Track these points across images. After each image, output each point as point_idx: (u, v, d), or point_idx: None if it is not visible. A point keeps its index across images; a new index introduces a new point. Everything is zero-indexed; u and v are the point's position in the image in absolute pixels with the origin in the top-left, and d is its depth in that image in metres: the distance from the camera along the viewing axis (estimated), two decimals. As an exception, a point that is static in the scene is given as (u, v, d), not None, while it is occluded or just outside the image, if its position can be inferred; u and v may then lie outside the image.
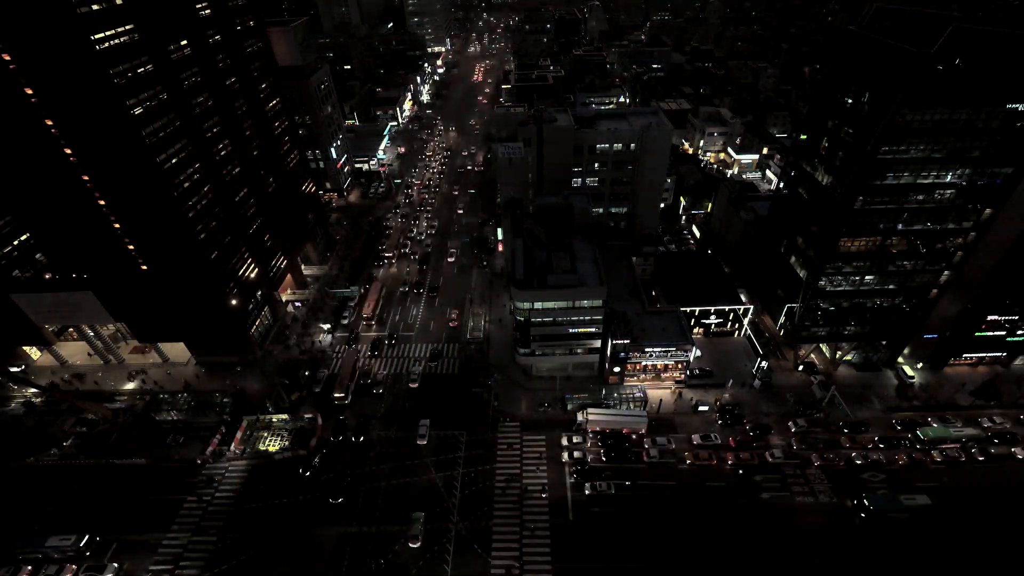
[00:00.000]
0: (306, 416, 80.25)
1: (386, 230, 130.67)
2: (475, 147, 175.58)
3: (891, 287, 79.55)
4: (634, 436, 76.77)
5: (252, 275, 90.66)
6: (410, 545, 63.73)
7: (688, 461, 73.40)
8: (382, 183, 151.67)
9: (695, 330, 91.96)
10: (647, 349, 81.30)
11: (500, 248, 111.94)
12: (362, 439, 77.17)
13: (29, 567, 62.78)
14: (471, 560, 63.02)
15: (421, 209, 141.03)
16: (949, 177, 68.82)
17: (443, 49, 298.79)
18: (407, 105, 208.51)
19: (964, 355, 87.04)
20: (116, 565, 62.97)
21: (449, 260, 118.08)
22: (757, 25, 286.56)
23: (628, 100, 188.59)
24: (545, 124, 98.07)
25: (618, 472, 72.31)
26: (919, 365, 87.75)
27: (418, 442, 76.30)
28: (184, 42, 75.09)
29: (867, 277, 78.45)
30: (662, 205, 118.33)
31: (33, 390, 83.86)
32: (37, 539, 64.12)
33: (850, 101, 71.70)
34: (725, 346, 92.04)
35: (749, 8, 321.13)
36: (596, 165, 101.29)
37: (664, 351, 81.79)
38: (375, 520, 67.02)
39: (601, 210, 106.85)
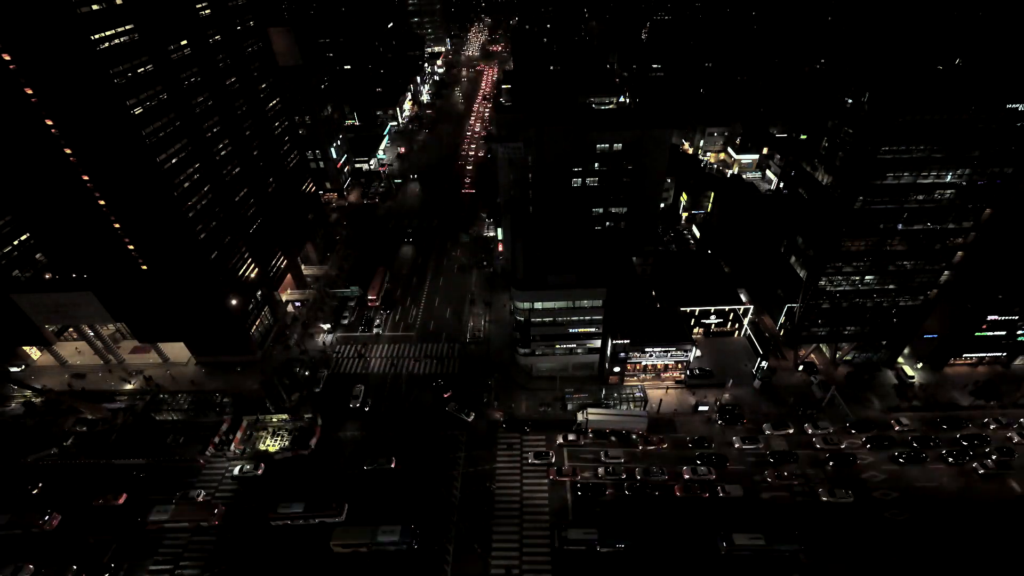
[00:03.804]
0: (306, 416, 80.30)
1: None
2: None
3: (891, 287, 79.59)
4: (636, 435, 77.05)
5: (252, 275, 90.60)
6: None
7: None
8: (382, 183, 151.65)
9: (695, 330, 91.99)
10: (647, 349, 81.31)
11: (500, 248, 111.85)
12: None
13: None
14: (471, 560, 63.10)
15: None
16: (949, 177, 68.85)
17: (443, 49, 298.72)
18: (407, 105, 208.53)
19: (964, 355, 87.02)
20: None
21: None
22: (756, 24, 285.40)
23: (628, 100, 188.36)
24: (544, 125, 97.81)
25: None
26: (919, 365, 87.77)
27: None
28: (184, 42, 75.08)
29: (867, 277, 78.46)
30: (662, 205, 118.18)
31: (31, 390, 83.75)
32: None
33: (850, 101, 71.71)
34: (725, 346, 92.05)
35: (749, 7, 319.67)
36: (596, 165, 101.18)
37: (664, 351, 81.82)
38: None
39: (601, 210, 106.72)
